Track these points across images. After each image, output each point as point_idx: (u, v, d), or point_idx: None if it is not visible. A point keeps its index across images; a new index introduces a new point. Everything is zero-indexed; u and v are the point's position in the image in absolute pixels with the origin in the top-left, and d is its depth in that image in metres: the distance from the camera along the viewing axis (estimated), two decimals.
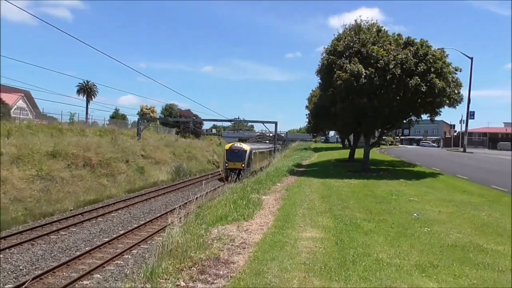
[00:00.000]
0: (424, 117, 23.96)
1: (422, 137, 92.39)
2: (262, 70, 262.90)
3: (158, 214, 16.80)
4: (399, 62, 19.96)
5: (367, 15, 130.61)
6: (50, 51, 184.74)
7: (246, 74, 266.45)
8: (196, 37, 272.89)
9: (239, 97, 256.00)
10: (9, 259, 10.75)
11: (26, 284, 8.72)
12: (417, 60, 20.22)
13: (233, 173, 25.46)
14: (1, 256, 10.93)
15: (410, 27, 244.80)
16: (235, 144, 32.84)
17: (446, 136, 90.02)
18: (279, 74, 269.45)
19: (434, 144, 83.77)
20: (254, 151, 33.12)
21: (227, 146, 32.38)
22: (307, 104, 47.57)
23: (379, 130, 26.48)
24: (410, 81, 19.68)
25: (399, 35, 22.25)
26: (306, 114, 51.72)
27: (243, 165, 29.68)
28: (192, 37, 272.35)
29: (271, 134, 55.33)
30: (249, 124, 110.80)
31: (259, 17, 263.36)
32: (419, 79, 19.64)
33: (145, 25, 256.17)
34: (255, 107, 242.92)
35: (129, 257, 11.33)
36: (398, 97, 20.26)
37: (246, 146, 31.89)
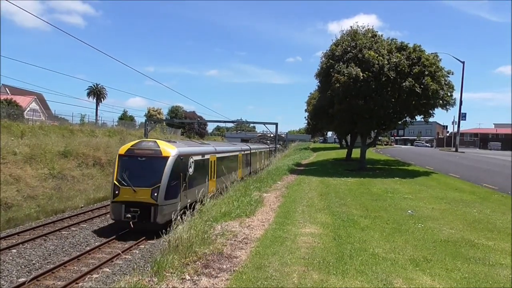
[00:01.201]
0: (418, 118, 24.38)
1: (416, 137, 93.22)
2: (264, 74, 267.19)
3: None
4: (393, 65, 20.39)
5: (365, 21, 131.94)
6: (62, 56, 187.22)
7: (249, 77, 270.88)
8: (201, 42, 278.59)
9: (242, 100, 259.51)
10: (23, 253, 10.96)
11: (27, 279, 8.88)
12: (411, 63, 20.67)
13: (130, 215, 12.34)
14: (15, 251, 11.17)
15: (406, 33, 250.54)
16: (143, 143, 14.16)
17: (439, 136, 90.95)
18: (280, 78, 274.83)
19: (427, 144, 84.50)
20: (200, 157, 15.92)
21: (123, 148, 13.97)
22: (306, 107, 48.06)
23: (375, 130, 26.83)
24: (404, 83, 20.09)
25: (393, 40, 22.73)
26: (305, 116, 52.30)
27: (156, 195, 12.53)
28: (198, 43, 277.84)
29: (272, 135, 55.04)
30: (251, 125, 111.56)
31: (261, 24, 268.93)
32: (413, 81, 20.06)
33: (153, 31, 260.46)
34: (257, 109, 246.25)
35: (137, 251, 11.52)
36: (393, 99, 20.67)
37: (169, 147, 13.69)
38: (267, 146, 40.13)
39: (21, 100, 42.75)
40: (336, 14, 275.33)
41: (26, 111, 41.33)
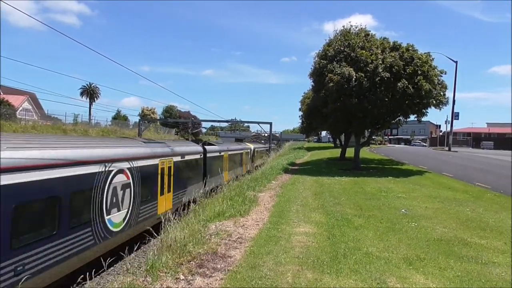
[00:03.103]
0: (412, 117, 24.54)
1: (409, 136, 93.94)
2: (260, 74, 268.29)
3: None
4: (388, 65, 20.47)
5: (361, 21, 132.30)
6: (57, 55, 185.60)
7: (245, 77, 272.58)
8: (198, 42, 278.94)
9: (238, 100, 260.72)
10: None
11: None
12: (404, 63, 20.78)
13: None
14: None
15: (401, 33, 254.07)
16: None
17: (432, 135, 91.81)
18: (276, 77, 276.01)
19: (424, 144, 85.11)
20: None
21: None
22: (300, 106, 48.10)
23: (369, 130, 26.94)
24: (398, 84, 20.20)
25: (385, 39, 22.82)
26: (299, 116, 52.34)
27: None
28: (194, 42, 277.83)
29: (266, 134, 54.91)
30: (246, 124, 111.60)
31: (257, 24, 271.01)
32: (406, 82, 20.18)
33: (149, 31, 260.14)
34: (253, 109, 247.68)
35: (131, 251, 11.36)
36: (386, 99, 20.77)
37: None
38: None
39: (13, 99, 42.41)
40: (332, 14, 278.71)
41: (18, 111, 40.95)
